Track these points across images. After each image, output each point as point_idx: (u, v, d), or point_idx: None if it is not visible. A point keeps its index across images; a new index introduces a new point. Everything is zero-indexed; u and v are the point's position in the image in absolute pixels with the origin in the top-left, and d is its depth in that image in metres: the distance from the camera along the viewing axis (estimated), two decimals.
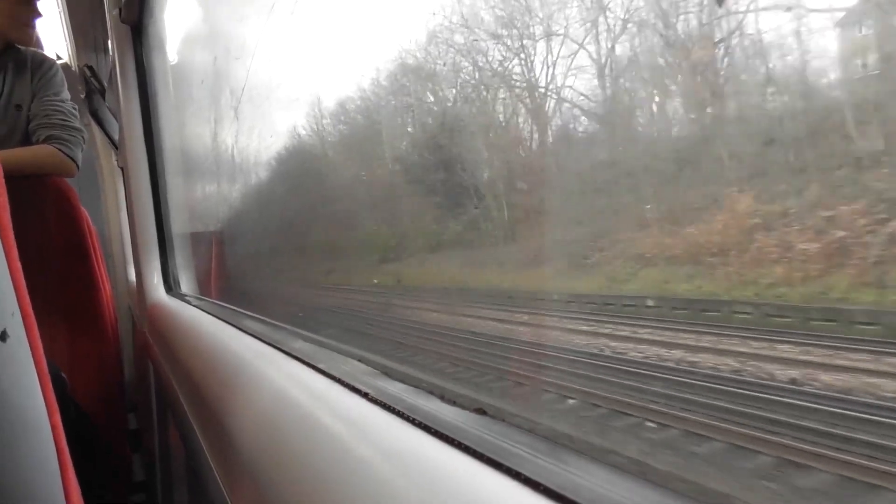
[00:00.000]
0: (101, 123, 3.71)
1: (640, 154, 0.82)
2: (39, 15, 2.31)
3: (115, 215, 3.85)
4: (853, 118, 0.50)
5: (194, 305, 1.64)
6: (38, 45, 3.07)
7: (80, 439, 2.02)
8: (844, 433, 0.81)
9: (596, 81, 0.79)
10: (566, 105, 0.84)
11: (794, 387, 0.91)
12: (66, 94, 2.36)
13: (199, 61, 1.86)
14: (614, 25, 0.69)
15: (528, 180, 0.98)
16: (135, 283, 2.50)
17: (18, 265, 0.51)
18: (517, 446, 0.37)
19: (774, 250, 0.68)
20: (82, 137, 2.32)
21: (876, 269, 0.62)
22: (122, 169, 2.77)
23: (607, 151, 0.87)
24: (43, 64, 2.34)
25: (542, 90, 0.86)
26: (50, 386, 0.53)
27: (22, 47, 2.33)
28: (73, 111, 2.34)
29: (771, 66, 0.56)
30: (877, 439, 0.77)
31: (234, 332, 1.04)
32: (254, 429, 0.63)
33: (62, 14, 2.83)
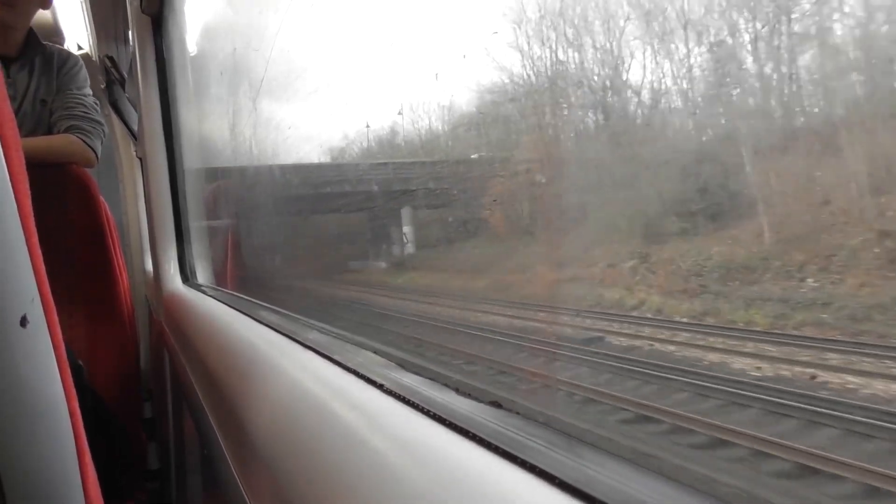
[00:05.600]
0: (120, 114, 3.74)
1: None
2: None
3: (133, 205, 3.89)
4: None
5: (210, 296, 1.65)
6: (59, 35, 3.11)
7: (96, 426, 2.04)
8: None
9: None
10: None
11: None
12: (89, 91, 2.41)
13: (218, 53, 1.86)
14: None
15: None
16: (151, 273, 2.52)
17: (39, 252, 0.52)
18: (532, 439, 0.37)
19: None
20: (102, 130, 2.36)
21: None
22: (140, 159, 2.80)
23: None
24: (68, 60, 2.39)
25: None
26: (68, 371, 0.54)
27: (48, 44, 2.37)
28: (95, 106, 2.38)
29: None
30: None
31: (249, 322, 1.04)
32: (268, 419, 0.63)
33: (84, 4, 2.85)
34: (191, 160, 2.16)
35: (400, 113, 0.98)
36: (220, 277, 2.10)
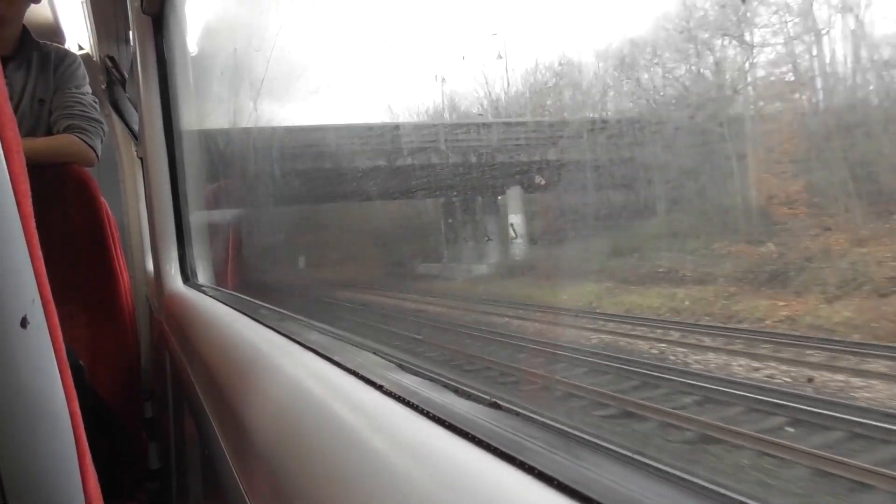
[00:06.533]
0: (121, 114, 3.74)
1: None
2: None
3: (133, 205, 3.89)
4: None
5: (210, 296, 1.65)
6: (60, 35, 3.11)
7: (97, 426, 2.04)
8: None
9: None
10: None
11: None
12: (88, 88, 2.40)
13: (219, 53, 1.86)
14: None
15: None
16: (152, 273, 2.53)
17: (40, 253, 0.52)
18: (531, 440, 0.37)
19: None
20: (102, 129, 2.35)
21: None
22: (141, 160, 2.80)
23: None
24: (65, 58, 2.37)
25: None
26: (69, 372, 0.54)
27: (44, 42, 2.36)
28: (94, 104, 2.37)
29: None
30: None
31: (249, 322, 1.04)
32: (269, 419, 0.63)
33: (84, 4, 2.85)
34: (191, 160, 2.16)
35: (500, 56, 0.77)
36: (220, 279, 2.10)
